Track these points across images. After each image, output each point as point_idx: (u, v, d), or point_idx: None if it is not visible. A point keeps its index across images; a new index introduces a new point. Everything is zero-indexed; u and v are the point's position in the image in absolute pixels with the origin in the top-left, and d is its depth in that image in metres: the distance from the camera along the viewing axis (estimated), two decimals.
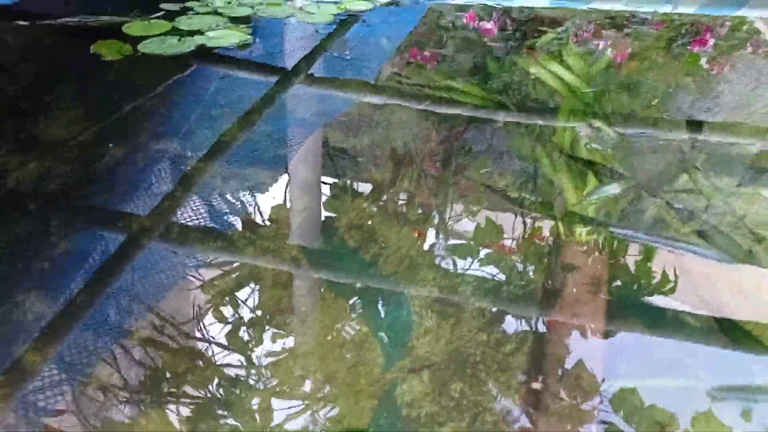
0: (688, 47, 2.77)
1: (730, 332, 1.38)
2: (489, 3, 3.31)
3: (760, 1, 3.31)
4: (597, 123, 2.13)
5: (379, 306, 1.45)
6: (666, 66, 2.60)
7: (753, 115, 2.20)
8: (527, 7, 3.27)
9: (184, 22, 2.79)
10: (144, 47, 2.54)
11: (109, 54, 2.47)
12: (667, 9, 3.27)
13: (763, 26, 3.06)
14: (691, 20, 3.12)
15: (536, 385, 1.28)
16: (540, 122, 2.18)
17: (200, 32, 2.71)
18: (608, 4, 3.35)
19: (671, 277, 1.54)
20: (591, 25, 3.02)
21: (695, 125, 2.13)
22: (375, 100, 2.31)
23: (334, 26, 2.93)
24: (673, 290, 1.50)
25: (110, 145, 1.95)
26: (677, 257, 1.59)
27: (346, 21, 2.99)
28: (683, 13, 3.22)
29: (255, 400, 1.25)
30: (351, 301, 1.46)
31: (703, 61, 2.65)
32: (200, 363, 1.34)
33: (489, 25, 3.00)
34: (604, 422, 1.22)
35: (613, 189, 1.80)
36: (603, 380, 1.29)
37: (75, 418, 1.21)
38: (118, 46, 2.52)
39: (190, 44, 2.58)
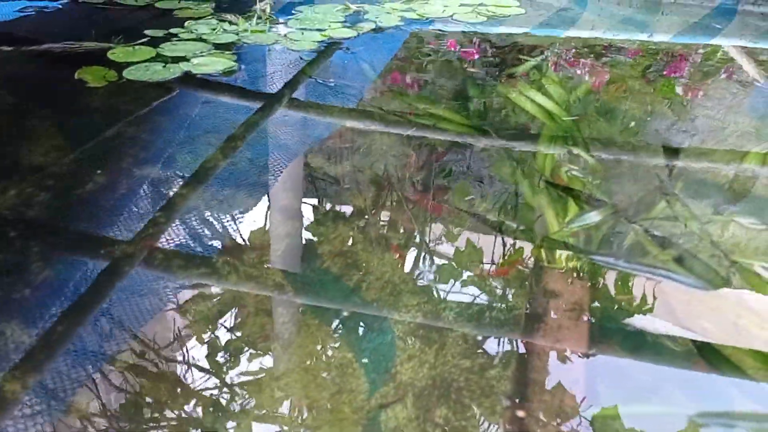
0: (664, 74, 2.83)
1: (710, 357, 1.40)
2: (469, 30, 3.37)
3: (732, 30, 3.41)
4: (576, 150, 2.16)
5: (362, 332, 1.46)
6: (642, 93, 2.65)
7: (727, 141, 2.25)
8: (507, 34, 3.34)
9: (168, 49, 2.81)
10: (129, 74, 2.55)
11: (93, 80, 2.48)
12: (644, 37, 3.35)
13: (736, 54, 3.14)
14: (667, 48, 3.20)
15: (519, 412, 1.29)
16: (520, 149, 2.22)
17: (185, 59, 2.72)
18: (586, 32, 3.43)
19: (650, 302, 1.56)
20: (569, 53, 3.08)
21: (672, 151, 2.17)
22: (357, 125, 2.34)
23: (318, 53, 2.96)
24: (651, 313, 1.52)
25: (93, 171, 1.95)
26: (656, 283, 1.62)
27: (329, 47, 3.03)
28: (659, 42, 3.30)
29: (237, 428, 1.24)
30: (333, 327, 1.47)
31: (678, 89, 2.71)
32: (182, 391, 1.33)
33: (470, 52, 3.04)
34: None
35: (594, 217, 1.83)
36: (584, 405, 1.30)
37: None
38: (103, 73, 2.53)
39: (175, 71, 2.60)
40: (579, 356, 1.41)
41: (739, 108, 2.53)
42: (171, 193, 1.88)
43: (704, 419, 1.28)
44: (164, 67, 2.62)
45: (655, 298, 1.57)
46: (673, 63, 2.97)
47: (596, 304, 1.56)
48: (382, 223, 1.84)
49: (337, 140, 2.25)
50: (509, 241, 1.76)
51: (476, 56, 2.99)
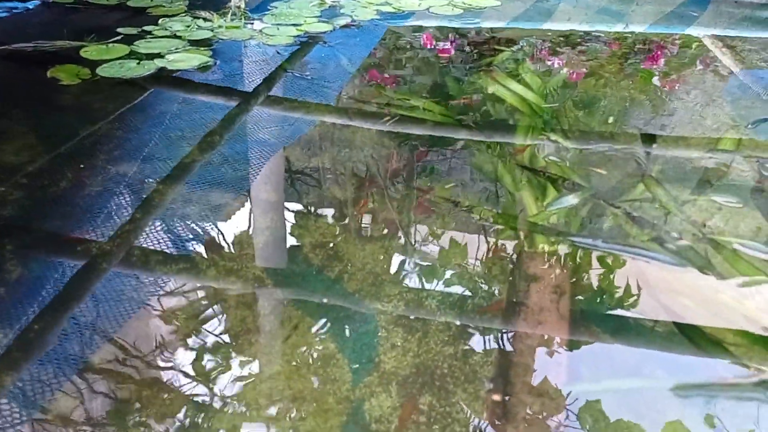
0: (642, 65, 2.85)
1: (691, 335, 1.41)
2: (445, 24, 3.37)
3: (707, 19, 3.44)
4: (554, 137, 2.17)
5: (345, 323, 1.45)
6: (620, 83, 2.67)
7: (704, 129, 2.27)
8: (484, 28, 3.34)
9: (143, 46, 2.78)
10: (102, 71, 2.51)
11: (66, 78, 2.44)
12: (620, 28, 3.37)
13: (710, 44, 3.17)
14: (644, 38, 3.22)
15: (502, 395, 1.29)
16: (499, 138, 2.22)
17: (160, 55, 2.69)
18: (563, 24, 3.44)
19: (631, 283, 1.57)
20: (546, 44, 3.09)
21: (649, 138, 2.19)
22: (336, 120, 2.33)
23: (294, 48, 2.94)
24: (634, 296, 1.53)
25: (68, 169, 1.92)
26: (636, 264, 1.63)
27: (305, 43, 3.01)
28: (635, 32, 3.32)
29: (220, 422, 1.23)
30: (316, 320, 1.46)
31: (655, 79, 2.73)
32: (163, 386, 1.31)
33: (446, 46, 3.05)
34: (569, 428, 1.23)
35: (572, 199, 1.84)
36: (568, 386, 1.30)
37: None
38: (76, 70, 2.50)
39: (149, 67, 2.57)
40: (561, 339, 1.41)
41: (716, 97, 2.55)
42: (148, 191, 1.86)
43: (684, 391, 1.29)
44: (138, 63, 2.59)
45: (635, 278, 1.58)
46: (650, 55, 2.99)
47: (576, 286, 1.57)
48: (362, 213, 1.83)
49: (316, 136, 2.24)
50: (489, 226, 1.76)
51: (452, 50, 2.99)
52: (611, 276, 1.60)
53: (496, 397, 1.29)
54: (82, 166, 1.94)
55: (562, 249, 1.68)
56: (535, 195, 1.87)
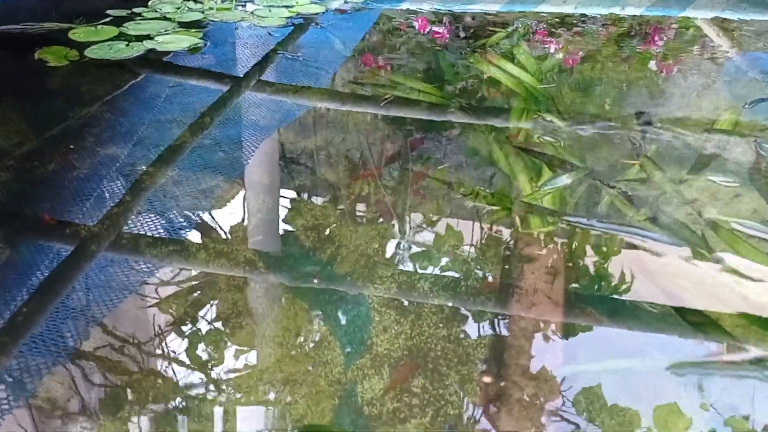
0: (638, 48, 2.83)
1: (688, 317, 1.40)
2: (440, 8, 3.34)
3: (703, 2, 3.41)
4: (549, 116, 2.15)
5: (338, 305, 1.43)
6: (616, 65, 2.64)
7: (700, 111, 2.26)
8: (478, 12, 3.30)
9: (132, 28, 2.74)
10: (91, 52, 2.48)
11: (54, 60, 2.41)
12: (616, 10, 3.34)
13: (707, 27, 3.14)
14: (640, 21, 3.19)
15: (496, 376, 1.27)
16: (493, 118, 2.20)
17: (149, 37, 2.66)
18: (558, 7, 3.41)
19: (627, 263, 1.55)
20: (541, 25, 3.06)
21: (645, 120, 2.17)
22: (328, 104, 2.30)
23: (286, 30, 2.90)
24: (629, 278, 1.52)
25: (56, 152, 1.89)
26: (632, 244, 1.61)
27: (298, 25, 2.97)
28: (632, 15, 3.29)
29: (213, 405, 1.21)
30: (309, 302, 1.44)
31: (652, 62, 2.70)
32: (153, 369, 1.29)
33: (440, 30, 3.01)
34: (563, 412, 1.22)
35: (566, 179, 1.82)
36: (562, 368, 1.29)
37: None
38: (64, 52, 2.46)
39: (138, 49, 2.53)
40: (555, 321, 1.40)
41: (712, 80, 2.53)
42: (139, 174, 1.83)
43: (680, 372, 1.28)
44: (127, 45, 2.55)
45: (630, 258, 1.57)
46: (647, 38, 2.97)
47: (571, 267, 1.55)
48: (356, 194, 1.81)
49: (309, 120, 2.21)
50: (482, 206, 1.75)
51: (447, 34, 2.96)
52: (607, 257, 1.58)
53: (489, 379, 1.27)
54: (71, 147, 1.91)
55: (557, 229, 1.66)
56: (530, 175, 1.85)
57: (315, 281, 1.48)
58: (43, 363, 1.27)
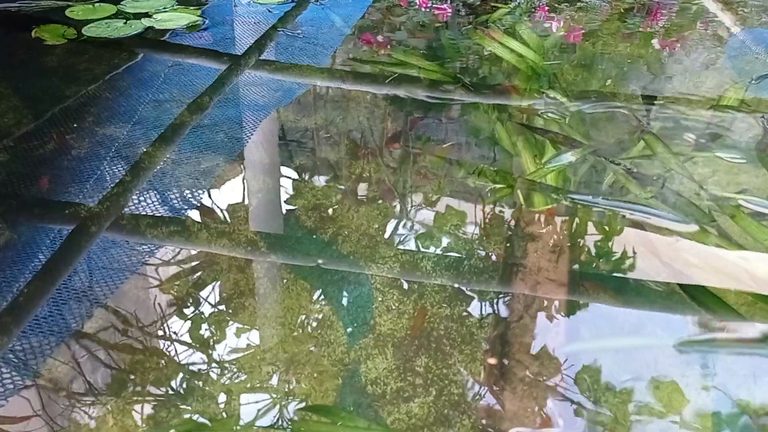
0: (641, 26, 2.79)
1: (694, 294, 1.39)
2: None
3: None
4: (553, 93, 2.12)
5: (340, 285, 1.42)
6: (619, 42, 2.61)
7: (705, 87, 2.23)
8: None
9: (129, 5, 2.70)
10: (88, 31, 2.45)
11: (51, 38, 2.38)
12: None
13: (710, 2, 3.10)
14: None
15: (497, 358, 1.27)
16: (496, 96, 2.17)
17: (147, 15, 2.62)
18: None
19: (631, 240, 1.54)
20: (543, 0, 3.02)
21: (649, 97, 2.14)
22: (328, 83, 2.27)
23: (286, 7, 2.86)
24: (634, 254, 1.51)
25: (55, 132, 1.88)
26: (637, 220, 1.60)
27: (298, 3, 2.93)
28: None
29: (216, 386, 1.21)
30: (311, 283, 1.43)
31: (655, 40, 2.67)
32: (155, 350, 1.29)
33: (442, 6, 2.97)
34: (566, 390, 1.21)
35: (570, 156, 1.80)
36: (565, 346, 1.29)
37: (25, 415, 1.16)
38: (62, 30, 2.43)
39: (137, 27, 2.50)
40: (559, 299, 1.39)
41: (716, 56, 2.50)
42: (138, 154, 1.81)
43: (683, 349, 1.28)
44: (125, 23, 2.52)
45: (635, 235, 1.56)
46: (650, 13, 2.92)
47: (575, 244, 1.54)
48: (356, 173, 1.79)
49: (309, 99, 2.19)
50: (485, 184, 1.73)
51: (449, 11, 2.92)
52: (611, 234, 1.57)
53: (493, 359, 1.27)
54: (70, 127, 1.89)
55: (561, 207, 1.65)
56: (534, 153, 1.83)
57: (320, 262, 1.48)
58: (46, 343, 1.27)
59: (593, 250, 1.53)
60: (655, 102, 2.11)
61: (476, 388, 1.21)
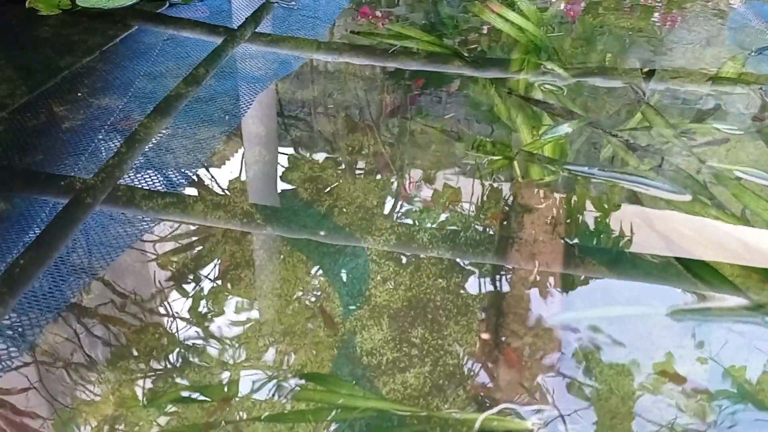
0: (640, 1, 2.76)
1: (689, 266, 1.39)
2: None
3: None
4: (551, 65, 2.11)
5: (337, 257, 1.42)
6: (620, 15, 2.58)
7: (705, 61, 2.21)
8: None
9: None
10: (83, 2, 2.41)
11: (46, 9, 2.35)
12: None
13: None
14: None
15: (488, 331, 1.28)
16: (495, 69, 2.16)
17: None
18: None
19: (628, 212, 1.54)
20: None
21: (648, 69, 2.13)
22: (325, 56, 2.25)
23: None
24: (629, 228, 1.51)
25: (50, 103, 1.86)
26: (633, 193, 1.59)
27: None
28: None
29: (215, 357, 1.22)
30: (308, 255, 1.43)
31: (656, 14, 2.64)
32: (154, 323, 1.29)
33: None
34: (561, 361, 1.22)
35: (567, 127, 1.79)
36: (561, 316, 1.29)
37: (20, 387, 1.16)
38: (56, 1, 2.40)
39: None
40: (555, 271, 1.39)
41: (717, 30, 2.48)
42: (134, 126, 1.80)
43: (677, 319, 1.28)
44: None
45: (631, 207, 1.55)
46: None
47: (571, 216, 1.54)
48: (353, 147, 1.79)
49: (306, 72, 2.17)
50: (482, 156, 1.72)
51: None
52: (608, 206, 1.57)
53: (487, 330, 1.28)
54: (64, 98, 1.88)
55: (557, 178, 1.64)
56: (531, 125, 1.82)
57: (322, 233, 1.47)
58: (42, 316, 1.27)
59: (589, 222, 1.53)
60: (654, 75, 2.09)
61: (468, 359, 1.22)
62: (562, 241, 1.46)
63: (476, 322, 1.28)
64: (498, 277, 1.39)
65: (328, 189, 1.61)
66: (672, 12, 2.64)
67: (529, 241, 1.46)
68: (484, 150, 1.74)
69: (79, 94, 1.91)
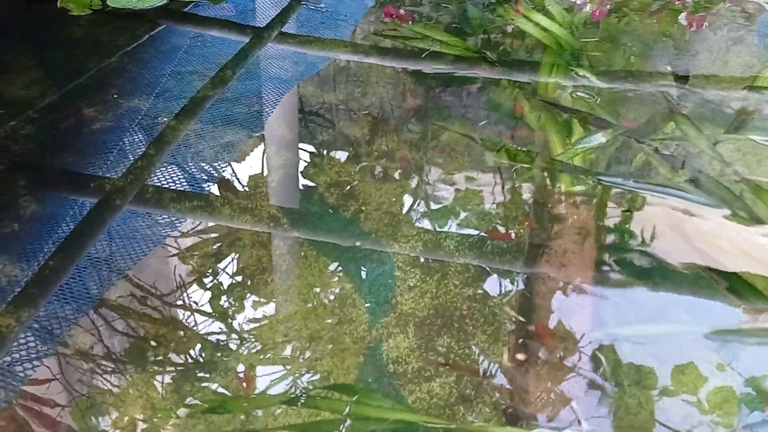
0: (669, 1, 2.71)
1: (724, 279, 1.36)
2: None
3: None
4: (582, 72, 2.08)
5: (362, 263, 1.42)
6: (646, 19, 2.55)
7: (736, 67, 2.17)
8: None
9: None
10: (114, 2, 2.43)
11: (77, 8, 2.37)
12: None
13: None
14: None
15: (523, 338, 1.27)
16: (523, 73, 2.14)
17: None
18: None
19: (661, 224, 1.51)
20: None
21: (679, 76, 2.09)
22: (350, 57, 2.25)
23: None
24: (664, 240, 1.48)
25: (80, 104, 1.88)
26: (666, 205, 1.57)
27: None
28: None
29: (239, 362, 1.22)
30: (332, 260, 1.43)
31: (682, 16, 2.60)
32: (179, 324, 1.30)
33: None
34: (586, 375, 1.21)
35: (600, 137, 1.76)
36: (590, 330, 1.28)
37: (53, 384, 1.18)
38: (87, 1, 2.42)
39: None
40: (585, 282, 1.38)
41: (746, 35, 2.43)
42: (161, 127, 1.81)
43: (717, 336, 1.26)
44: None
45: (665, 219, 1.53)
46: None
47: (603, 227, 1.52)
48: (379, 152, 1.78)
49: (331, 73, 2.17)
50: (513, 165, 1.71)
51: None
52: (640, 217, 1.54)
53: (515, 341, 1.27)
54: (93, 98, 1.89)
55: (589, 188, 1.62)
56: (562, 133, 1.80)
57: (357, 244, 1.47)
58: (71, 314, 1.28)
59: (622, 234, 1.51)
60: (686, 81, 2.06)
61: (495, 370, 1.21)
62: (593, 251, 1.45)
63: (504, 337, 1.27)
64: (527, 286, 1.37)
65: (351, 192, 1.61)
66: (699, 14, 2.60)
67: (559, 251, 1.44)
68: (514, 158, 1.72)
69: (114, 96, 1.92)
